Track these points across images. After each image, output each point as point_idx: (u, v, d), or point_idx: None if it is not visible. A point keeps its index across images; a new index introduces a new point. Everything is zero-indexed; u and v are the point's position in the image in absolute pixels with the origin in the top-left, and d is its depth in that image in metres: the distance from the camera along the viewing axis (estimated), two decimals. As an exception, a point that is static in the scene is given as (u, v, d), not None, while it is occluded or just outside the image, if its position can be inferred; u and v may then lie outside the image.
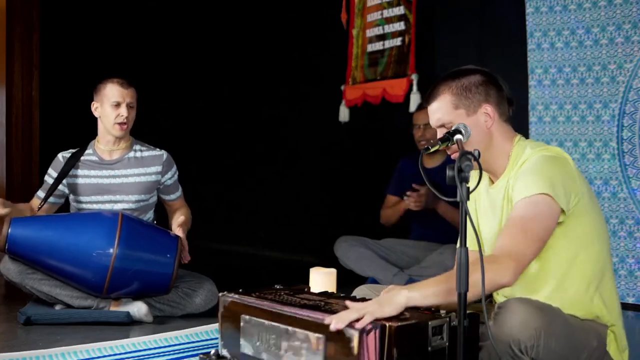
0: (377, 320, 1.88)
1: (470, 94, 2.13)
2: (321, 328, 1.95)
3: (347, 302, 1.99)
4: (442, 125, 2.16)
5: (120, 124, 3.37)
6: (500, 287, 1.96)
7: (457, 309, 1.80)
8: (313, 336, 1.98)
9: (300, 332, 2.02)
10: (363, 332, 1.86)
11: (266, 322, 2.13)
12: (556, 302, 2.02)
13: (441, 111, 2.15)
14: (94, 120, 3.46)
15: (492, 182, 2.22)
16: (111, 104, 3.36)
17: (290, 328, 2.05)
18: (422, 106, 3.98)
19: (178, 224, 3.35)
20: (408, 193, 3.88)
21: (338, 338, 1.90)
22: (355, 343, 1.86)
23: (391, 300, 1.92)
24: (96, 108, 3.41)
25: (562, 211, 2.01)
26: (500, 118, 2.16)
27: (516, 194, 2.05)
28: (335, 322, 1.90)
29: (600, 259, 2.11)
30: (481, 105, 2.14)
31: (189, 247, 3.30)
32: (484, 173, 2.23)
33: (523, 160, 2.10)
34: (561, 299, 2.05)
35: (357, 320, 1.88)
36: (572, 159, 2.11)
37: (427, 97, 2.21)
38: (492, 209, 2.19)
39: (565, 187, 2.02)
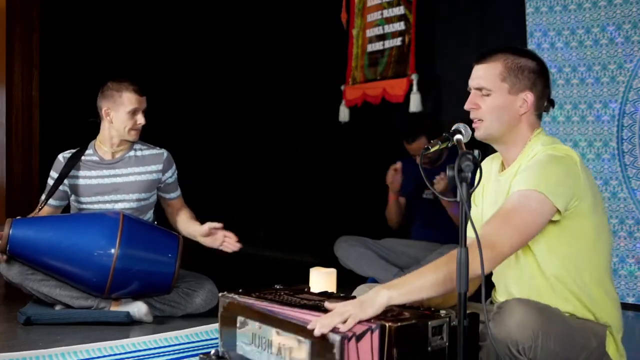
0: (361, 321, 1.88)
1: (521, 75, 2.13)
2: (307, 332, 1.94)
3: (327, 304, 1.99)
4: (479, 89, 2.15)
5: (137, 130, 3.39)
6: (476, 275, 1.89)
7: (457, 308, 1.80)
8: (299, 340, 1.98)
9: (288, 335, 2.02)
10: (345, 337, 1.86)
11: (258, 324, 2.14)
12: (554, 302, 2.02)
13: (487, 76, 2.14)
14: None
15: (504, 167, 2.21)
16: (128, 112, 3.35)
17: (279, 331, 2.05)
18: (412, 140, 4.00)
19: (210, 227, 3.31)
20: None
21: (322, 343, 1.90)
22: (337, 349, 1.86)
23: (372, 301, 1.92)
24: (108, 113, 3.39)
25: (558, 211, 2.00)
26: (534, 111, 2.16)
27: (514, 186, 2.05)
28: (319, 327, 1.89)
29: (600, 261, 2.11)
30: (524, 90, 2.13)
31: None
32: (498, 157, 2.24)
33: (532, 155, 2.10)
34: (560, 299, 2.05)
35: (343, 322, 1.88)
36: (581, 160, 2.10)
37: (479, 57, 2.19)
38: (496, 195, 2.18)
39: (565, 187, 2.01)
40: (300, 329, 1.97)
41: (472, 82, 2.18)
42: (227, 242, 3.32)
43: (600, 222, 2.12)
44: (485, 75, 2.15)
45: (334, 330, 1.88)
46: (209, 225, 3.31)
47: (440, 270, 1.93)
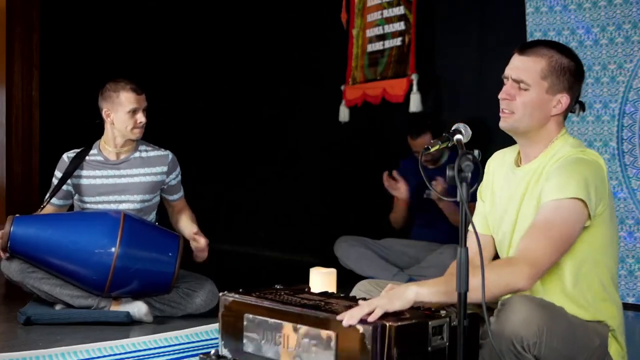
0: (385, 315, 1.90)
1: (563, 77, 2.09)
2: (331, 325, 1.95)
3: (360, 301, 2.01)
4: (517, 81, 2.10)
5: (140, 128, 3.38)
6: (514, 291, 1.95)
7: (457, 308, 1.80)
8: (324, 333, 1.98)
9: (309, 329, 2.02)
10: (376, 327, 1.87)
11: (271, 320, 2.13)
12: (563, 304, 2.02)
13: (528, 71, 2.09)
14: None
15: (519, 162, 2.19)
16: (127, 112, 3.34)
17: (298, 325, 2.05)
18: (417, 135, 4.01)
19: (195, 232, 3.36)
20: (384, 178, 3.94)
21: (350, 334, 1.91)
22: (369, 338, 1.87)
23: (401, 295, 1.94)
24: (108, 114, 3.39)
25: (589, 217, 2.00)
26: (564, 112, 2.14)
27: (547, 193, 2.02)
28: (348, 318, 1.91)
29: (610, 266, 2.11)
30: (562, 92, 2.10)
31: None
32: (512, 150, 2.23)
33: (560, 156, 2.08)
34: (564, 301, 2.04)
35: (369, 314, 1.90)
36: (605, 165, 2.09)
37: (523, 47, 2.13)
38: (510, 189, 2.17)
39: (595, 193, 2.01)
40: (324, 322, 1.98)
41: (512, 73, 2.11)
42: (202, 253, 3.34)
43: (614, 229, 2.12)
44: (526, 69, 2.09)
45: (361, 321, 1.90)
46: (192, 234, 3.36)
47: (472, 280, 1.89)
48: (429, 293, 1.94)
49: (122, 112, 3.35)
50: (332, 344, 1.95)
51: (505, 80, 2.14)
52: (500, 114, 2.13)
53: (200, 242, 3.32)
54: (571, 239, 1.99)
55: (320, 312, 2.02)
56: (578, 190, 1.97)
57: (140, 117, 3.37)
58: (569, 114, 2.20)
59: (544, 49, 2.11)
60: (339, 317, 1.94)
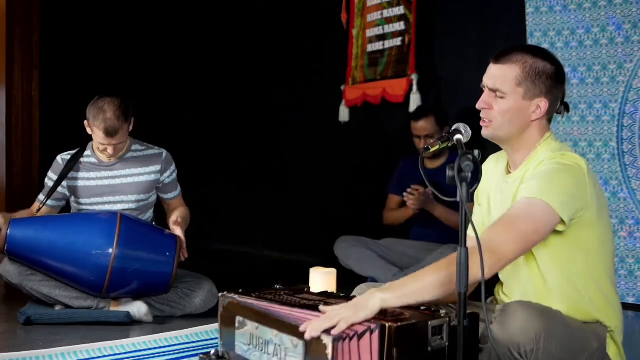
0: (354, 324, 1.87)
1: (539, 81, 2.08)
2: (302, 333, 1.93)
3: (322, 307, 1.98)
4: (494, 90, 2.10)
5: (107, 154, 3.34)
6: (476, 281, 1.89)
7: (457, 309, 1.80)
8: (294, 341, 1.97)
9: (283, 336, 2.01)
10: (337, 339, 1.85)
11: (255, 324, 2.13)
12: (560, 307, 2.02)
13: (503, 79, 2.09)
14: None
15: (509, 168, 2.20)
16: (97, 140, 3.30)
17: (275, 331, 2.05)
18: (419, 117, 3.99)
19: (173, 222, 3.35)
20: (408, 191, 3.89)
21: (316, 344, 1.89)
22: (329, 350, 1.85)
23: (366, 304, 1.91)
24: (88, 127, 3.34)
25: (562, 222, 1.99)
26: (546, 115, 2.13)
27: (521, 192, 2.03)
28: (309, 330, 1.88)
29: (603, 268, 2.11)
30: (540, 96, 2.09)
31: (188, 246, 3.30)
32: (504, 156, 2.22)
33: (540, 161, 2.08)
34: (560, 305, 2.04)
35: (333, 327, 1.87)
36: (589, 167, 2.07)
37: (497, 55, 2.14)
38: (503, 197, 2.17)
39: (571, 198, 2.00)
40: (295, 330, 1.97)
41: (488, 82, 2.13)
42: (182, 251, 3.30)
43: (604, 229, 2.11)
44: (502, 77, 2.09)
45: (328, 331, 1.87)
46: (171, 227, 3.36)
47: (438, 274, 1.92)
48: (394, 297, 1.92)
49: (94, 136, 3.32)
50: (301, 352, 1.94)
51: (483, 89, 2.15)
52: (481, 123, 2.14)
53: (175, 233, 3.30)
54: (536, 235, 1.97)
55: (297, 318, 2.00)
56: (547, 194, 1.97)
57: (109, 150, 3.30)
58: (555, 115, 2.20)
59: (517, 55, 2.11)
60: (301, 328, 1.90)
